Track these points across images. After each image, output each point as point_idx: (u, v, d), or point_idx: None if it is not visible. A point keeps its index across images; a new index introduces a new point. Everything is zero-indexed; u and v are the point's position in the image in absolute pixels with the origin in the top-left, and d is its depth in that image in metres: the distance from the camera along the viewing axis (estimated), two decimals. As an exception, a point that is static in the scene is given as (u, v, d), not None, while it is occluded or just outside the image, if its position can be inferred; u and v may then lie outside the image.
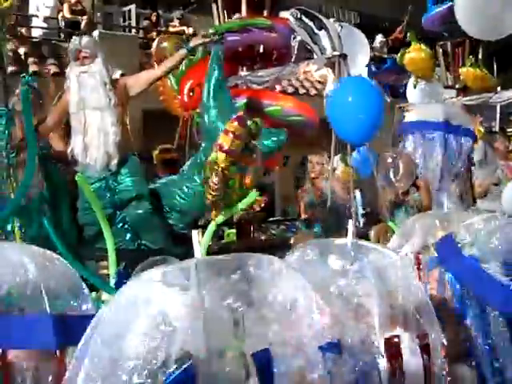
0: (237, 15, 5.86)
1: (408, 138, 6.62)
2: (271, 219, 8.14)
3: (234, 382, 1.57)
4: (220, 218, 4.18)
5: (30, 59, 11.96)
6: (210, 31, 5.47)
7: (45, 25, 12.26)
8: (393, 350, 2.24)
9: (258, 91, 5.58)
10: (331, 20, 5.40)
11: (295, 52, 5.44)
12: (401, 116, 7.00)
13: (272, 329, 1.69)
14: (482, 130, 7.44)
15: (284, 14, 5.39)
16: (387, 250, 2.66)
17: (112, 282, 3.80)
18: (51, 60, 11.97)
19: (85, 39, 5.14)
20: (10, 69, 11.53)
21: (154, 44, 6.07)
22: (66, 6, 12.52)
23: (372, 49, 13.57)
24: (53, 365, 2.01)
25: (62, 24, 12.39)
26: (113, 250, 4.28)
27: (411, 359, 2.30)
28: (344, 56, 5.29)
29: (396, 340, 2.26)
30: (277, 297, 1.76)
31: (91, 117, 4.88)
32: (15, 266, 2.14)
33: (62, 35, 12.36)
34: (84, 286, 2.31)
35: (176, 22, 13.22)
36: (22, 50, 12.05)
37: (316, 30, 5.35)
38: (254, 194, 4.09)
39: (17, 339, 2.00)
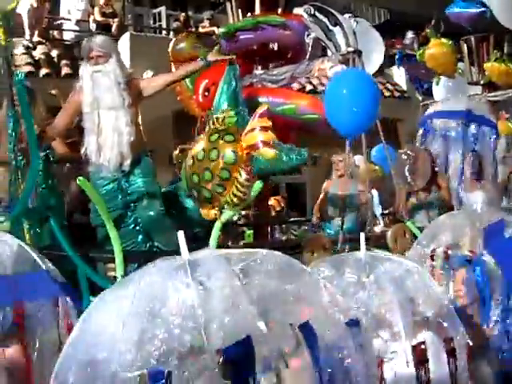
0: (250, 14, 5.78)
1: (428, 134, 6.46)
2: (293, 219, 8.06)
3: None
4: (225, 215, 4.15)
5: (63, 61, 12.10)
6: (223, 30, 5.45)
7: (76, 28, 12.39)
8: (420, 356, 2.27)
9: (272, 90, 5.51)
10: (346, 16, 5.29)
11: (309, 49, 5.34)
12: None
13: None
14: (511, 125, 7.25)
15: (298, 11, 5.30)
16: (402, 259, 2.70)
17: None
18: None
19: (99, 38, 5.13)
20: (44, 71, 11.72)
21: (171, 44, 6.02)
22: (96, 9, 12.65)
23: (403, 46, 13.39)
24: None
25: (93, 27, 12.50)
26: (120, 251, 4.29)
27: (437, 364, 2.32)
28: (359, 52, 5.19)
29: (422, 347, 2.29)
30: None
31: (105, 117, 4.82)
32: None
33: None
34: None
35: (206, 23, 13.19)
36: (54, 53, 12.17)
37: (330, 27, 5.26)
38: (258, 185, 4.05)
39: (26, 293, 2.40)
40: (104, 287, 3.88)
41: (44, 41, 12.02)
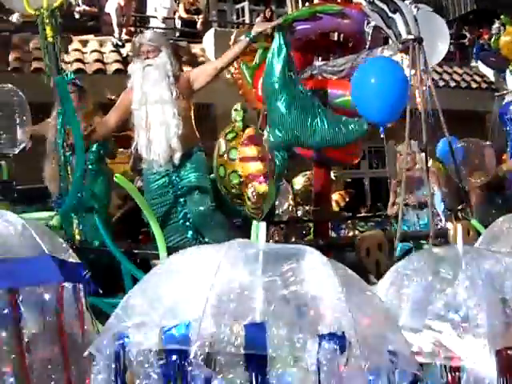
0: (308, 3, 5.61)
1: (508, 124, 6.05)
2: (360, 215, 7.81)
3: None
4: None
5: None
6: (279, 21, 5.31)
7: (163, 25, 12.57)
8: (505, 363, 2.05)
9: (331, 81, 5.32)
10: (407, 1, 5.01)
11: (369, 38, 5.09)
12: (500, 104, 6.45)
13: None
14: None
15: (357, -1, 5.08)
16: (502, 255, 2.47)
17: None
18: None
19: (149, 33, 5.16)
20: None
21: (232, 36, 5.93)
22: (181, 6, 12.81)
23: (490, 36, 12.75)
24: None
25: (178, 23, 12.66)
26: (163, 248, 4.26)
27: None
28: (420, 40, 4.91)
29: (509, 352, 2.07)
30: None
31: (153, 111, 4.81)
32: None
33: (178, 34, 12.65)
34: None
35: (261, 16, 13.16)
36: (141, 51, 12.32)
37: (390, 14, 5.00)
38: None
39: (26, 277, 2.32)
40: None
41: (132, 39, 12.29)
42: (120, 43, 11.95)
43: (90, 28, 12.19)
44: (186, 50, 12.22)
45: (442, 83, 12.08)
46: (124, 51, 11.97)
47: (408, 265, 2.32)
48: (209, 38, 9.25)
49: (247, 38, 5.00)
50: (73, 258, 2.70)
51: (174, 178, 4.82)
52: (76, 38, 11.95)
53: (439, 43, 5.81)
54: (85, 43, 11.99)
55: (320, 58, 5.53)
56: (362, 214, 7.96)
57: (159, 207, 4.82)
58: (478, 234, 4.84)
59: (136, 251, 4.40)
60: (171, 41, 12.61)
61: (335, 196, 7.61)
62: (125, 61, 11.95)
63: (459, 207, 5.97)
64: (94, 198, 5.04)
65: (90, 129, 4.56)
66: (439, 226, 5.34)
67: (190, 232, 4.83)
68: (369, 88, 4.41)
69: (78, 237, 4.48)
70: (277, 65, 4.88)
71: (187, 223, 4.83)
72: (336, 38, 5.48)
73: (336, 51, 5.52)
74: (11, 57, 11.45)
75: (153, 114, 4.80)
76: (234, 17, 14.23)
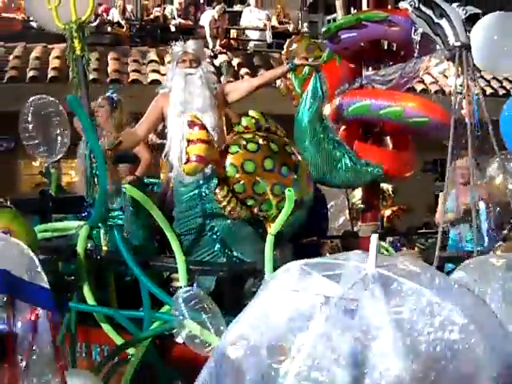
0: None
1: None
2: (420, 231, 7.38)
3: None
4: (275, 228, 3.91)
5: (243, 70, 12.41)
6: (324, 29, 5.17)
7: (257, 37, 12.66)
8: None
9: (376, 91, 5.08)
10: (454, 5, 4.70)
11: (417, 46, 4.81)
12: None
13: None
14: None
15: (403, 5, 4.81)
16: None
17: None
18: (262, 70, 12.32)
19: (193, 42, 5.14)
20: (224, 79, 12.12)
21: (285, 45, 5.85)
22: (274, 18, 12.86)
23: None
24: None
25: (271, 35, 12.69)
26: (182, 260, 4.20)
27: None
28: (467, 46, 4.59)
29: None
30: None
31: None
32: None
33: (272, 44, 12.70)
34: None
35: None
36: (235, 62, 12.51)
37: (436, 19, 4.72)
38: (291, 195, 3.77)
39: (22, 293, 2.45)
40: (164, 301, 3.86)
41: (225, 50, 12.47)
42: (213, 54, 12.13)
43: (185, 41, 12.45)
44: (279, 61, 12.24)
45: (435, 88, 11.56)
46: (217, 62, 12.15)
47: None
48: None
49: (288, 66, 5.05)
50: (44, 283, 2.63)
51: (203, 189, 4.74)
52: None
53: None
54: (179, 55, 12.25)
55: (370, 68, 5.27)
56: (423, 231, 7.55)
57: (188, 220, 4.77)
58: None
59: (153, 263, 4.36)
60: (263, 52, 12.75)
61: (387, 212, 7.30)
62: (218, 71, 12.10)
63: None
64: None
65: (117, 140, 4.57)
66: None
67: (218, 245, 4.73)
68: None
69: (105, 248, 4.50)
70: (310, 106, 4.99)
71: (214, 236, 4.73)
72: (386, 47, 5.23)
73: (386, 60, 5.26)
74: (110, 68, 11.89)
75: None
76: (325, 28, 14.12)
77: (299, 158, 4.31)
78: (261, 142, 4.02)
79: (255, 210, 4.10)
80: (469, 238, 5.49)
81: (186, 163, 3.86)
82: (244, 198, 4.01)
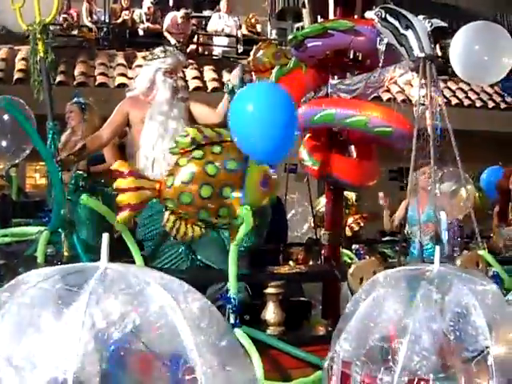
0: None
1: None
2: (385, 239, 7.45)
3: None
4: (238, 240, 3.89)
5: (210, 76, 12.40)
6: (290, 37, 5.20)
7: (225, 43, 12.69)
8: None
9: (341, 100, 5.10)
10: (420, 17, 4.74)
11: (382, 56, 4.84)
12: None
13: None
14: None
15: (369, 15, 4.84)
16: (478, 276, 2.47)
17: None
18: (229, 76, 12.32)
19: (181, 55, 5.23)
20: (193, 86, 12.11)
21: (252, 52, 5.85)
22: (243, 26, 12.91)
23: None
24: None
25: (239, 42, 12.73)
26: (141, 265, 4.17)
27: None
28: (431, 58, 4.64)
29: None
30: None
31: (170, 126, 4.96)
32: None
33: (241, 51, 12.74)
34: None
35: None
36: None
37: (402, 30, 4.75)
38: (247, 213, 3.74)
39: None
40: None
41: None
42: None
43: (153, 44, 12.43)
44: (246, 68, 12.27)
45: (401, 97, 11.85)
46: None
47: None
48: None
49: (227, 95, 5.10)
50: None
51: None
52: (140, 54, 12.23)
53: (503, 57, 5.47)
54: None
55: (336, 77, 5.28)
56: (388, 238, 7.60)
57: (153, 224, 4.76)
58: (488, 265, 4.53)
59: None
60: (231, 59, 12.76)
61: (350, 220, 7.36)
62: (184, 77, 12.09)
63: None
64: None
65: (79, 146, 4.54)
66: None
67: (182, 248, 4.74)
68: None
69: (66, 253, 4.46)
70: None
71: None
72: (352, 56, 5.25)
73: (352, 69, 5.28)
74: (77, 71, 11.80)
75: (169, 129, 4.83)
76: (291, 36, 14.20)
77: (248, 164, 4.03)
78: (195, 169, 3.86)
79: (214, 220, 4.06)
80: (429, 247, 5.55)
81: (117, 214, 3.78)
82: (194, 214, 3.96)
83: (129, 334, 1.58)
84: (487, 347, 2.03)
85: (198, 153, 3.86)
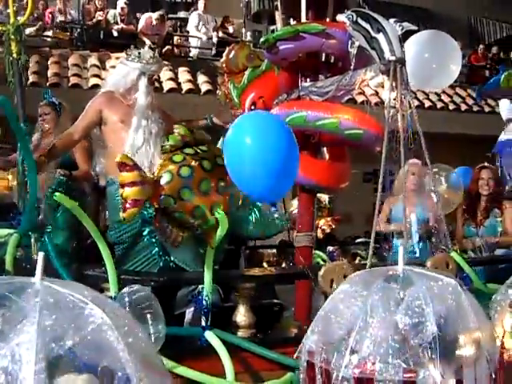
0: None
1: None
2: (359, 241, 7.49)
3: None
4: (215, 242, 3.89)
5: (185, 77, 12.38)
6: (262, 40, 5.21)
7: (198, 44, 12.67)
8: None
9: (312, 102, 5.12)
10: (391, 20, 4.77)
11: (353, 59, 4.86)
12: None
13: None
14: None
15: (340, 18, 4.86)
16: (440, 275, 2.45)
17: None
18: (204, 78, 12.32)
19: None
20: (168, 87, 12.08)
21: (225, 53, 5.85)
22: (218, 27, 12.91)
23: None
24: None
25: (214, 43, 12.73)
26: (112, 269, 4.12)
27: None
28: (402, 61, 4.67)
29: None
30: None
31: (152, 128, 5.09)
32: None
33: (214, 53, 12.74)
34: None
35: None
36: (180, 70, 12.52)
37: (373, 33, 4.78)
38: (221, 217, 3.73)
39: None
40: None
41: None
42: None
43: (127, 46, 12.39)
44: (220, 69, 12.32)
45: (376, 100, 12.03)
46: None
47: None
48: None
49: (206, 121, 5.43)
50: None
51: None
52: (114, 55, 12.18)
53: (451, 65, 5.61)
54: (122, 60, 12.23)
55: (308, 79, 5.30)
56: (360, 240, 7.65)
57: (127, 226, 4.73)
58: (458, 266, 4.57)
59: (86, 272, 4.28)
60: (207, 60, 12.76)
61: (321, 222, 7.39)
62: (159, 78, 12.06)
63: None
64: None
65: (50, 145, 4.51)
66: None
67: (156, 249, 4.73)
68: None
69: (35, 256, 4.41)
70: None
71: (153, 240, 4.72)
72: (324, 59, 5.26)
73: (323, 72, 5.30)
74: (50, 72, 11.71)
75: (152, 133, 4.85)
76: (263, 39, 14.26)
77: None
78: (193, 163, 3.76)
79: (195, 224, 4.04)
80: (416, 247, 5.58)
81: (124, 211, 3.64)
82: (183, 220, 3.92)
83: (66, 352, 1.58)
84: (434, 334, 2.12)
85: (189, 150, 3.83)
